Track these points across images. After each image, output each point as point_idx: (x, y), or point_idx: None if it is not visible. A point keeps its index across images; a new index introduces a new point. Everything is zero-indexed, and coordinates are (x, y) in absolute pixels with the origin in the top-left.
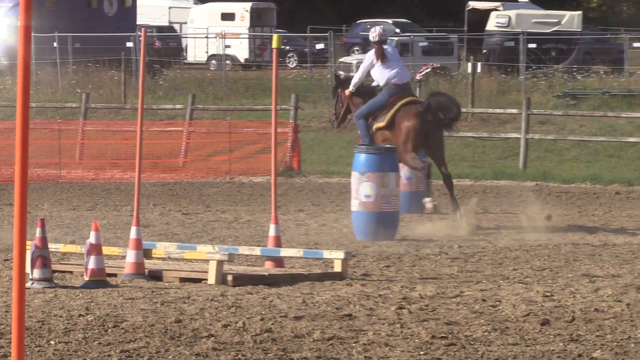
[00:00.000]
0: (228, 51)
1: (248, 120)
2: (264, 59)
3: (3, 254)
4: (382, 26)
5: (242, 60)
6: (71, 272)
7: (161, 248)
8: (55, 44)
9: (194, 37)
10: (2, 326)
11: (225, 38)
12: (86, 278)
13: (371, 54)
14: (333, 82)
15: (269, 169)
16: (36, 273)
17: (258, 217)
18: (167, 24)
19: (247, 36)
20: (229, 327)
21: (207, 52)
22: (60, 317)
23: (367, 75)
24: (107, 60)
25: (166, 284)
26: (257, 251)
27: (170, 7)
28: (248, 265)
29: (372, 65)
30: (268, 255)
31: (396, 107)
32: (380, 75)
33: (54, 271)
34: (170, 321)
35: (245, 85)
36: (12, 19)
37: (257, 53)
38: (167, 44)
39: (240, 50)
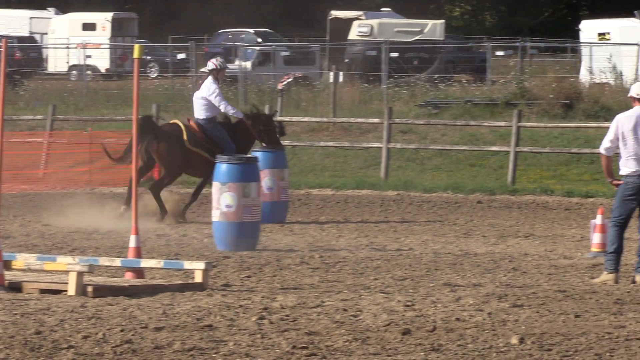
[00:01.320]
0: (89, 61)
1: (109, 131)
2: (125, 69)
3: None
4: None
5: (103, 71)
6: None
7: (21, 259)
8: None
9: (55, 48)
10: None
11: (86, 48)
12: None
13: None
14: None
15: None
16: None
17: (118, 228)
18: (27, 34)
19: (108, 46)
20: (89, 338)
21: (67, 62)
22: None
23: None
24: None
25: (26, 295)
26: (117, 262)
27: (31, 18)
28: (108, 277)
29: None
30: (128, 266)
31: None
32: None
33: None
34: (30, 333)
35: (106, 96)
36: None
37: (118, 63)
38: (28, 54)
39: (102, 60)
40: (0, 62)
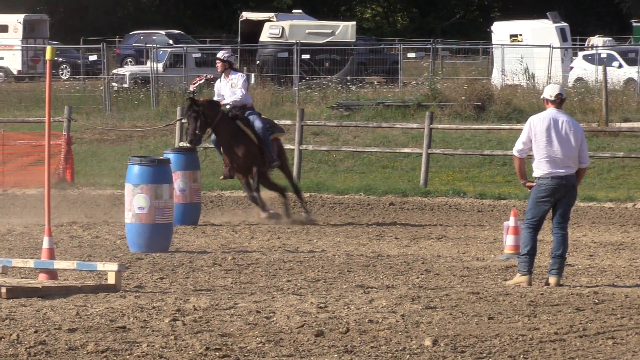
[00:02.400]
0: (1, 63)
1: (21, 132)
2: (37, 70)
3: None
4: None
5: (15, 72)
6: None
7: None
8: None
9: None
10: None
11: None
12: None
13: (244, 75)
14: (187, 101)
15: (43, 180)
16: None
17: (31, 229)
18: None
19: (19, 48)
20: (2, 339)
21: None
22: None
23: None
24: None
25: None
26: (30, 263)
27: None
28: (22, 278)
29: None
30: (42, 267)
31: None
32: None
33: None
34: None
35: (18, 97)
36: None
37: (30, 65)
38: None
39: (13, 62)
40: None
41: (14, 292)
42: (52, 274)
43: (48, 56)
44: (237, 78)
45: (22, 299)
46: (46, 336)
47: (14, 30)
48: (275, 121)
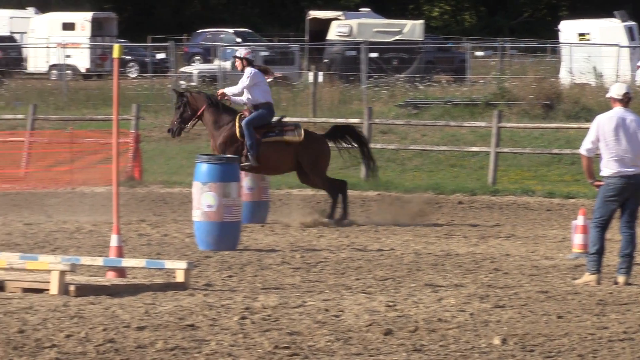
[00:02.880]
0: (69, 61)
1: (89, 130)
2: (105, 68)
3: None
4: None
5: (83, 70)
6: None
7: (3, 258)
8: None
9: (35, 47)
10: None
11: (66, 48)
12: None
13: (252, 71)
14: (176, 92)
15: (111, 179)
16: None
17: (100, 227)
18: (7, 33)
19: (87, 46)
20: (71, 337)
21: (47, 62)
22: None
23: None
24: None
25: (8, 294)
26: (99, 261)
27: (10, 17)
28: (90, 276)
29: (253, 83)
30: (110, 265)
31: (303, 127)
32: (263, 93)
33: None
34: (13, 331)
35: (86, 95)
36: None
37: (98, 63)
38: (8, 53)
39: (81, 60)
40: None
41: (82, 290)
42: (121, 272)
43: (116, 54)
44: (244, 75)
45: (90, 297)
46: (115, 334)
47: (81, 28)
48: (343, 120)
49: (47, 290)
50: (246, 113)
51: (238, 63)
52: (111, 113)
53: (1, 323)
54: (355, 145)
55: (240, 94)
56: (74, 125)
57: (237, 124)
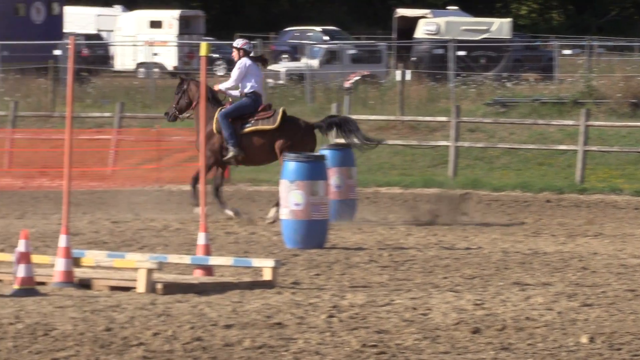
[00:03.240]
0: (156, 59)
1: (177, 128)
2: (192, 66)
3: None
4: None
5: (171, 68)
6: (1, 281)
7: (90, 256)
8: None
9: (122, 45)
10: None
11: (153, 46)
12: (15, 286)
13: (247, 63)
14: (179, 77)
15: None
16: None
17: (187, 225)
18: (95, 31)
19: (175, 44)
20: (159, 335)
21: (134, 60)
22: None
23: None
24: (35, 68)
25: (96, 292)
26: (186, 259)
27: (98, 15)
28: (177, 274)
29: (245, 73)
30: (197, 263)
31: (280, 113)
32: (251, 83)
33: None
34: (100, 329)
35: (173, 93)
36: None
37: (185, 61)
38: (95, 51)
39: (169, 58)
40: (68, 60)
41: (170, 288)
42: (208, 270)
43: (202, 52)
44: (236, 65)
45: (178, 295)
46: (202, 332)
47: (169, 26)
48: (431, 118)
49: (134, 288)
50: (228, 105)
51: (235, 53)
52: (198, 111)
53: (88, 321)
54: (347, 137)
55: (235, 87)
56: (160, 123)
57: (214, 120)
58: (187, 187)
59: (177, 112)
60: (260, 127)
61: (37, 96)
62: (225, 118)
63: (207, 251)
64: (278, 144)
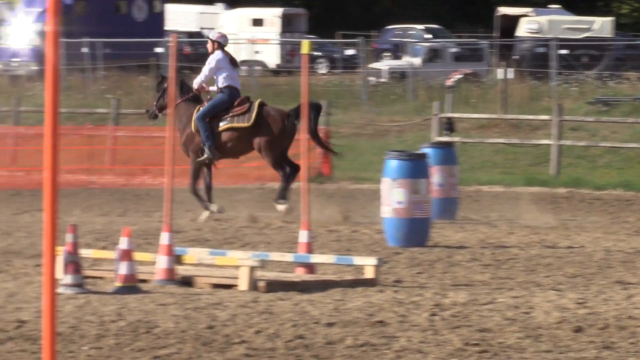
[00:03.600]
0: (258, 57)
1: None
2: (294, 64)
3: (35, 260)
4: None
5: (273, 66)
6: (103, 278)
7: (193, 254)
8: (84, 50)
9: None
10: (35, 332)
11: (255, 44)
12: (118, 284)
13: (218, 56)
14: (161, 76)
15: (300, 175)
16: (68, 279)
17: (289, 223)
18: (196, 29)
19: (277, 42)
20: (261, 333)
21: (236, 57)
22: (92, 322)
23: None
24: (137, 66)
25: (198, 289)
26: (288, 257)
27: (200, 13)
28: (279, 272)
29: (218, 67)
30: (299, 261)
31: (256, 109)
32: (224, 78)
33: (86, 277)
34: (202, 327)
35: (275, 91)
36: (41, 24)
37: (287, 59)
38: (197, 49)
39: (271, 56)
40: (170, 58)
41: (272, 286)
42: (310, 268)
43: (304, 50)
44: (209, 58)
45: (280, 292)
46: (304, 330)
47: (270, 25)
48: (533, 116)
49: (236, 286)
50: (206, 103)
51: (209, 45)
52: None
53: (190, 319)
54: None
55: (208, 78)
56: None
57: (192, 120)
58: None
59: (157, 111)
60: (235, 124)
61: (138, 94)
62: (202, 119)
63: (309, 249)
64: (256, 142)
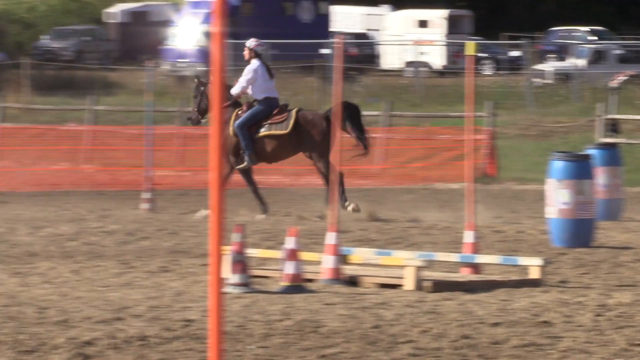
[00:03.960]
0: (423, 58)
1: (444, 127)
2: (459, 65)
3: (202, 259)
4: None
5: (439, 67)
6: (269, 277)
7: (358, 254)
8: None
9: (389, 44)
10: (202, 330)
11: (420, 45)
12: (284, 283)
13: (255, 66)
14: (197, 80)
15: (465, 175)
16: (235, 278)
17: (454, 224)
18: (362, 31)
19: (442, 43)
20: (426, 333)
21: (401, 59)
22: (259, 321)
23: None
24: (303, 67)
25: (363, 289)
26: (454, 257)
27: (365, 14)
28: (445, 272)
29: (256, 78)
30: (465, 261)
31: (293, 117)
32: (261, 88)
33: (252, 276)
34: (368, 326)
35: (440, 92)
36: (208, 25)
37: (452, 60)
38: (363, 50)
39: (436, 57)
40: (336, 59)
41: (437, 286)
42: (476, 268)
43: (469, 51)
44: (247, 69)
45: (445, 292)
46: (469, 330)
47: (435, 26)
48: None
49: (402, 285)
50: (244, 107)
51: (246, 52)
52: (465, 110)
53: (357, 318)
54: (352, 128)
55: (245, 88)
56: (428, 122)
57: (231, 124)
58: (454, 186)
59: (199, 116)
60: (273, 132)
61: (304, 94)
62: (241, 128)
63: (475, 249)
64: (296, 149)
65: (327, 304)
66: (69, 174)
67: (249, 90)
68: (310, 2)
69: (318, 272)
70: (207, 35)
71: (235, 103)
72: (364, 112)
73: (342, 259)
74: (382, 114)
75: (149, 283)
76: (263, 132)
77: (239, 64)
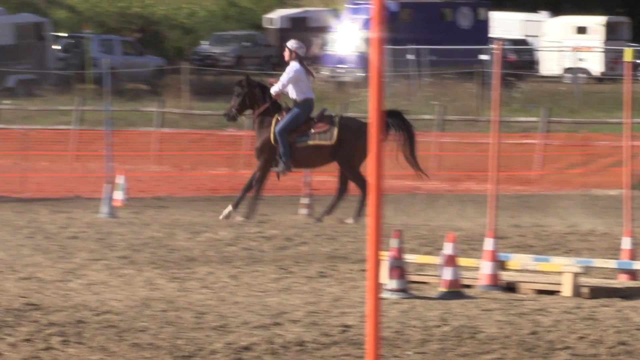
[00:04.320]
0: (582, 64)
1: (602, 134)
2: (618, 72)
3: (360, 265)
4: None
5: (597, 74)
6: (427, 283)
7: (516, 260)
8: (409, 56)
9: (548, 50)
10: (359, 336)
11: (579, 51)
12: (442, 289)
13: (296, 67)
14: (247, 79)
15: (623, 181)
16: (393, 283)
17: (613, 230)
18: (520, 37)
19: (600, 49)
20: (583, 339)
21: (560, 65)
22: (417, 327)
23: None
24: (461, 73)
25: (521, 295)
26: (611, 264)
27: (524, 20)
28: (603, 278)
29: (296, 78)
30: (623, 267)
31: (337, 128)
32: (301, 89)
33: (410, 282)
34: (526, 333)
35: (599, 98)
36: (367, 31)
37: (610, 66)
38: (521, 56)
39: (595, 63)
40: (494, 65)
41: (595, 292)
42: (633, 274)
43: (627, 58)
44: (286, 70)
45: (603, 299)
46: (627, 336)
47: (593, 32)
48: None
49: (560, 292)
50: (284, 113)
51: (287, 54)
52: (624, 116)
53: (514, 324)
54: (401, 133)
55: (285, 87)
56: (587, 128)
57: (272, 129)
58: (612, 192)
59: (237, 114)
60: (318, 142)
61: (463, 100)
62: (282, 134)
63: (633, 256)
64: (335, 158)
65: (484, 310)
66: (228, 179)
67: (290, 91)
68: (470, 8)
69: (476, 278)
70: (366, 41)
71: (276, 106)
72: (522, 118)
73: (500, 265)
74: (541, 120)
75: (307, 288)
76: (308, 142)
77: (398, 70)
